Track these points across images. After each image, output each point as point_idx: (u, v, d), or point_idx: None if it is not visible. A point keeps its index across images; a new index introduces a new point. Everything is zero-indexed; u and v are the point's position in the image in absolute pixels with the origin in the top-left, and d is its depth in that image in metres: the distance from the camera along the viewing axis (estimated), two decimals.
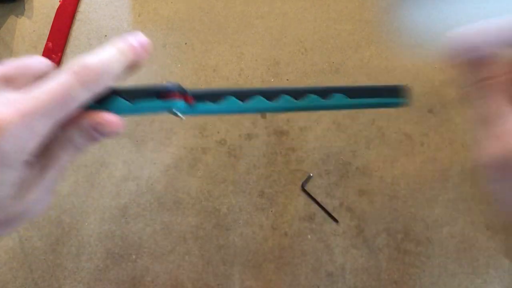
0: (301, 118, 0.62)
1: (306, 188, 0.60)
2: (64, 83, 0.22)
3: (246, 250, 0.58)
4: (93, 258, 0.58)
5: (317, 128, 0.62)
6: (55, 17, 0.68)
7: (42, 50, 0.66)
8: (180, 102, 0.26)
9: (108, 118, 0.23)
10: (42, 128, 0.22)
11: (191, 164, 0.61)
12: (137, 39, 0.25)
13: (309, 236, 0.58)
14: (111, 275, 0.58)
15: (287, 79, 0.64)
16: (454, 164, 0.60)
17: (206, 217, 0.59)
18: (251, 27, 0.67)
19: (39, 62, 0.25)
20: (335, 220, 0.59)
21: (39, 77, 0.24)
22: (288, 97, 0.28)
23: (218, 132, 0.62)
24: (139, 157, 0.62)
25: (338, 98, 0.28)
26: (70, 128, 0.23)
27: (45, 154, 0.24)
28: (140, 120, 0.63)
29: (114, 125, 0.24)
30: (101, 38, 0.68)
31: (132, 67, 0.25)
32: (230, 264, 0.58)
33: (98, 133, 0.23)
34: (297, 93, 0.28)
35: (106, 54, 0.24)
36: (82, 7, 0.69)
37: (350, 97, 0.28)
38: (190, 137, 0.62)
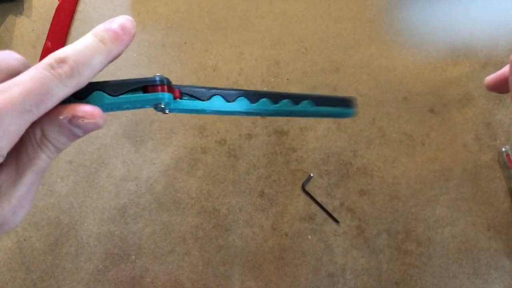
0: (301, 118, 0.62)
1: (306, 188, 0.59)
2: (39, 78, 0.20)
3: (246, 251, 0.58)
4: (92, 259, 0.58)
5: (318, 128, 0.62)
6: (54, 16, 0.67)
7: (41, 49, 0.66)
8: (168, 95, 0.25)
9: (85, 109, 0.21)
10: (16, 126, 0.19)
11: (191, 164, 0.61)
12: (120, 23, 0.22)
13: (309, 237, 0.58)
14: (110, 276, 0.57)
15: (287, 79, 0.64)
16: (455, 164, 0.60)
17: (206, 217, 0.59)
18: (251, 27, 0.66)
19: (10, 57, 0.21)
20: (336, 221, 0.58)
21: (11, 75, 0.21)
22: (267, 100, 0.29)
23: (218, 132, 0.62)
24: (138, 157, 0.61)
25: (306, 105, 0.30)
26: (46, 125, 0.21)
27: (20, 155, 0.21)
28: (139, 120, 0.63)
29: (91, 116, 0.21)
30: None
31: (115, 55, 0.23)
32: (230, 265, 0.58)
33: (75, 127, 0.21)
34: (275, 97, 0.29)
35: (85, 44, 0.21)
36: (81, 6, 0.68)
37: (316, 105, 0.30)
38: (190, 137, 0.62)
